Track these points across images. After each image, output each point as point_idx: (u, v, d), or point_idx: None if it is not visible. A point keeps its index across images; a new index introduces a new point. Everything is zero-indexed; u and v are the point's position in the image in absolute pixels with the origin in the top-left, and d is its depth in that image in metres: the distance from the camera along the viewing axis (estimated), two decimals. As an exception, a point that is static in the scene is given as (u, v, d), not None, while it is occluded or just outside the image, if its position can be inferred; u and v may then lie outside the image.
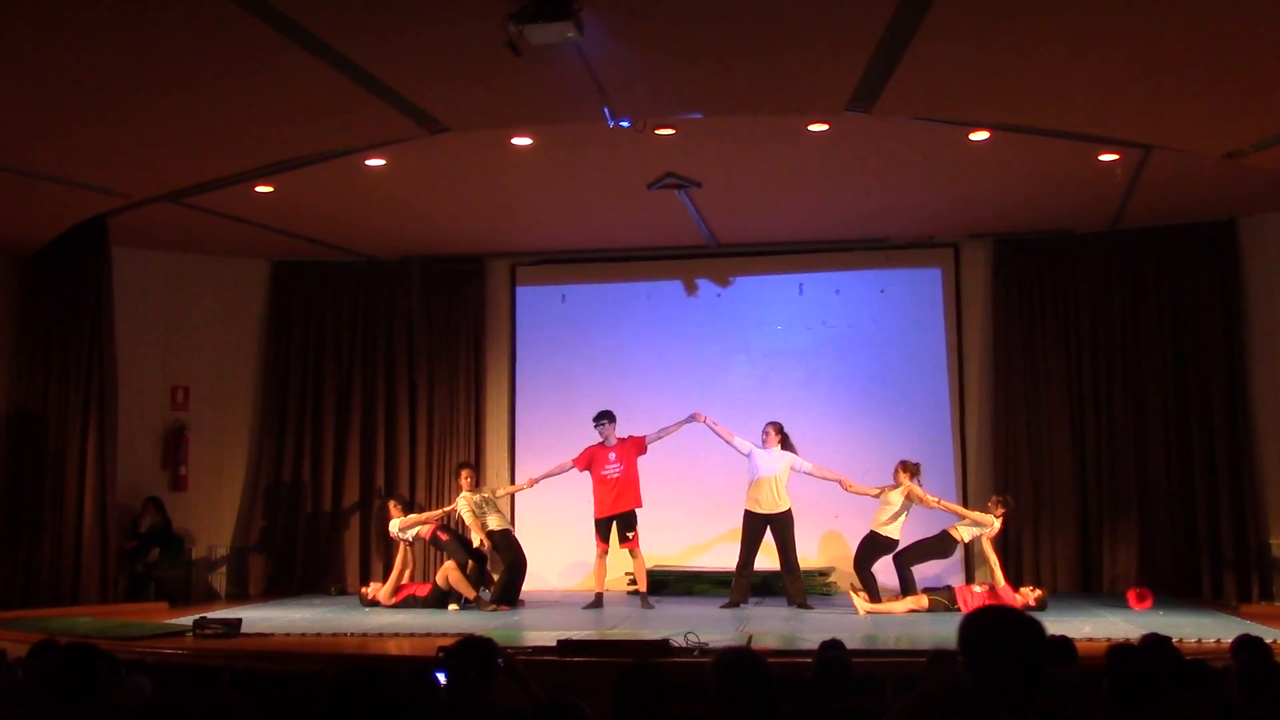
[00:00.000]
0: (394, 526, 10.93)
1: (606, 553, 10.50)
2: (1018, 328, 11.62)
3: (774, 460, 10.25)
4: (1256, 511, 10.53)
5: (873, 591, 9.83)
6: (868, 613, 9.45)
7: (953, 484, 11.65)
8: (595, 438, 10.65)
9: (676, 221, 11.09)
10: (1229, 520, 10.55)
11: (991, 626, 2.57)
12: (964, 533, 9.98)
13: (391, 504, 11.16)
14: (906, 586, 9.77)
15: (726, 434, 10.48)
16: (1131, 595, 9.78)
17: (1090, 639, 7.37)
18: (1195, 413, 10.91)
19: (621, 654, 6.75)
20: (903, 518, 9.96)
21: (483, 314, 12.61)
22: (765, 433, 10.37)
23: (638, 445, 10.57)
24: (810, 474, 10.33)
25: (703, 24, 6.36)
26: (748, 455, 10.35)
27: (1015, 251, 11.69)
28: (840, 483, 10.29)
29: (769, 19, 6.31)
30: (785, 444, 10.36)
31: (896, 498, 9.94)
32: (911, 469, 10.01)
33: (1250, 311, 10.85)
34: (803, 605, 9.90)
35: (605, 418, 10.57)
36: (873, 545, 10.02)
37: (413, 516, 11.04)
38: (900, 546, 9.94)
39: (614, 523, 10.40)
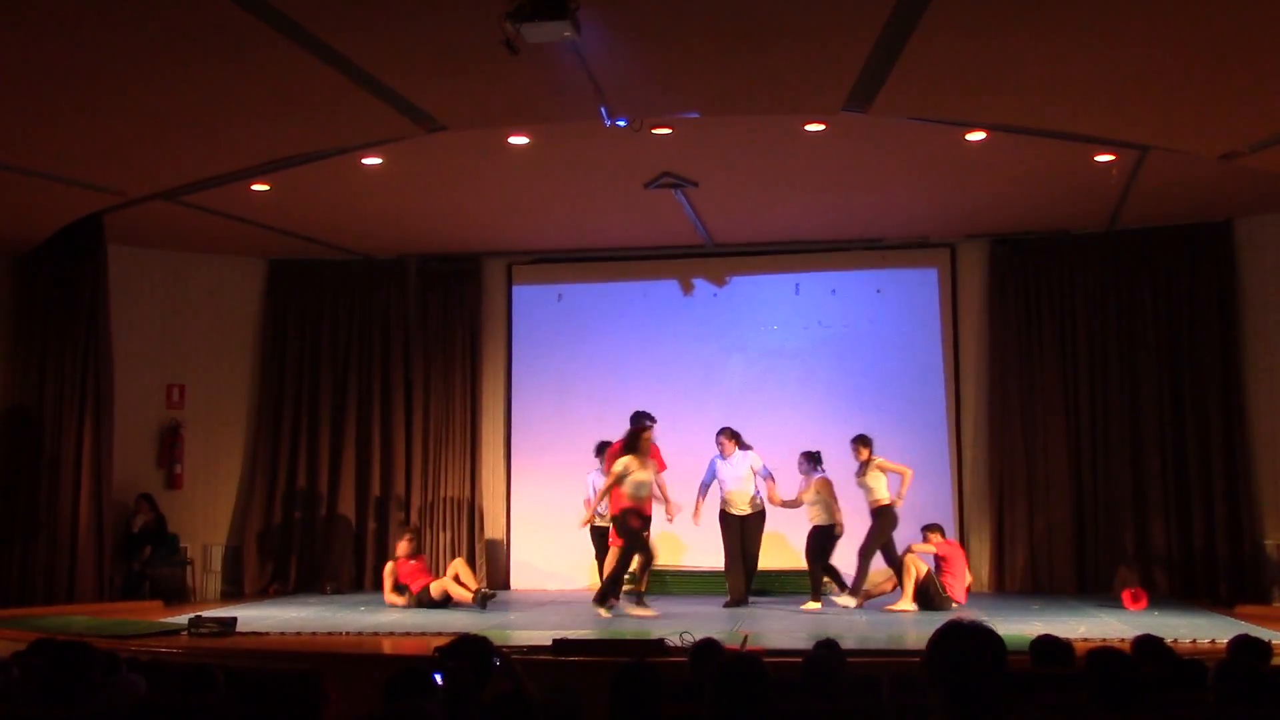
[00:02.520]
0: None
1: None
2: (1014, 328, 11.63)
3: (735, 466, 10.37)
4: (1251, 512, 10.55)
5: (839, 580, 9.95)
6: (859, 603, 9.49)
7: (949, 483, 11.69)
8: (590, 437, 10.68)
9: (673, 221, 11.09)
10: (1224, 521, 10.57)
11: (957, 643, 2.64)
12: (882, 494, 9.87)
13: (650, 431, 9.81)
14: (860, 579, 9.81)
15: (700, 501, 10.38)
16: (1126, 596, 9.78)
17: (1085, 639, 7.37)
18: (1190, 413, 10.92)
19: (617, 653, 6.75)
20: (832, 504, 9.99)
21: (479, 313, 12.60)
22: (719, 443, 10.38)
23: (659, 465, 10.23)
24: (764, 480, 10.38)
25: (700, 23, 6.36)
26: (714, 475, 10.42)
27: (1011, 252, 11.70)
28: (770, 499, 10.39)
29: (766, 18, 6.31)
30: (743, 444, 10.38)
31: (811, 491, 10.05)
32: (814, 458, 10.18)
33: (1245, 312, 10.88)
34: (739, 603, 10.07)
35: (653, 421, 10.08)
36: (818, 539, 10.04)
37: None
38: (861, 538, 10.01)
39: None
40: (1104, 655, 4.25)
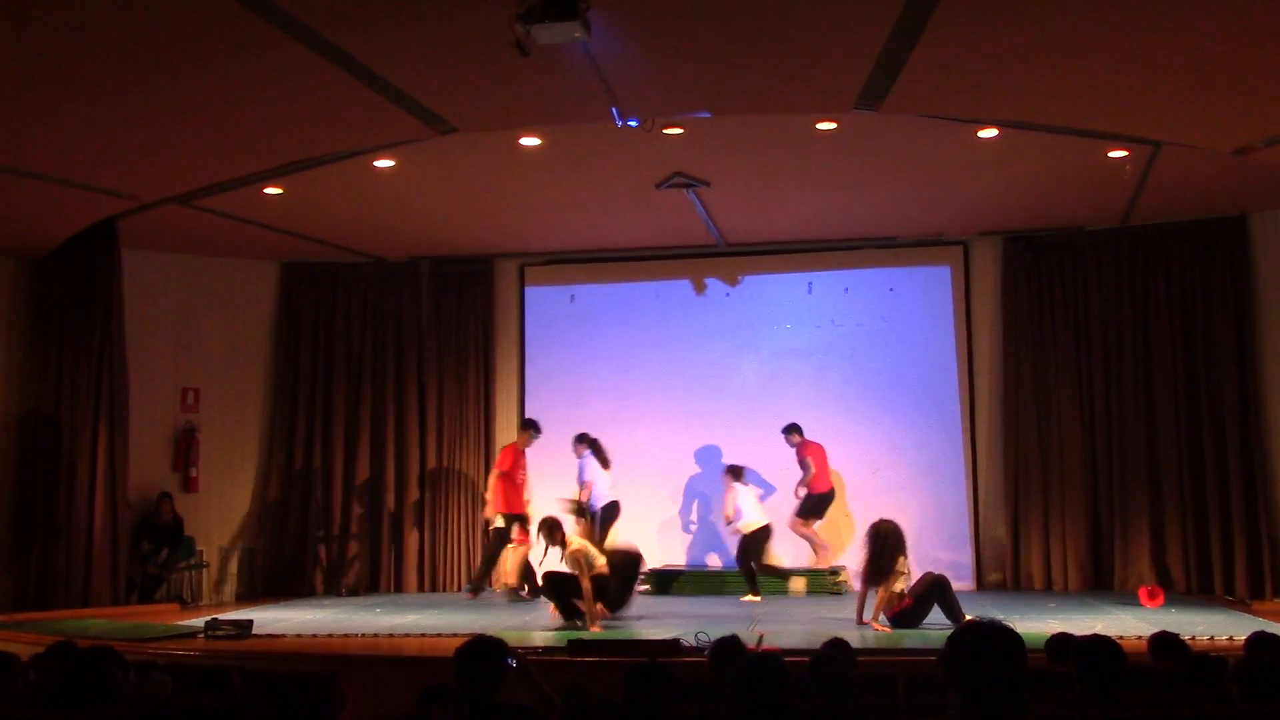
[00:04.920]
0: None
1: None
2: (1027, 325, 11.59)
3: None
4: (1268, 508, 10.50)
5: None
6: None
7: (963, 481, 11.64)
8: (603, 437, 10.80)
9: (685, 221, 11.09)
10: (1241, 517, 10.52)
11: (975, 643, 2.62)
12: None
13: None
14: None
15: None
16: (1143, 593, 9.75)
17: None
18: (1206, 409, 10.87)
19: (632, 653, 6.75)
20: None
21: (491, 314, 12.62)
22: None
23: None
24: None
25: (710, 23, 6.36)
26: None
27: (1025, 249, 11.66)
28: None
29: (777, 17, 6.31)
30: (598, 451, 10.92)
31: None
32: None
33: (1261, 307, 10.82)
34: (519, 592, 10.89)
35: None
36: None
37: None
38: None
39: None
40: (1093, 643, 4.28)
